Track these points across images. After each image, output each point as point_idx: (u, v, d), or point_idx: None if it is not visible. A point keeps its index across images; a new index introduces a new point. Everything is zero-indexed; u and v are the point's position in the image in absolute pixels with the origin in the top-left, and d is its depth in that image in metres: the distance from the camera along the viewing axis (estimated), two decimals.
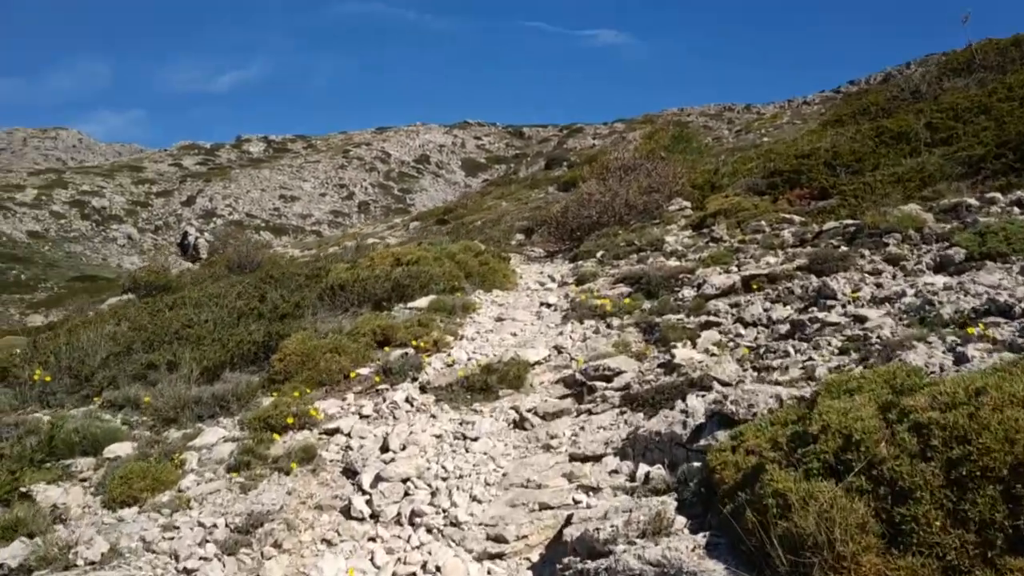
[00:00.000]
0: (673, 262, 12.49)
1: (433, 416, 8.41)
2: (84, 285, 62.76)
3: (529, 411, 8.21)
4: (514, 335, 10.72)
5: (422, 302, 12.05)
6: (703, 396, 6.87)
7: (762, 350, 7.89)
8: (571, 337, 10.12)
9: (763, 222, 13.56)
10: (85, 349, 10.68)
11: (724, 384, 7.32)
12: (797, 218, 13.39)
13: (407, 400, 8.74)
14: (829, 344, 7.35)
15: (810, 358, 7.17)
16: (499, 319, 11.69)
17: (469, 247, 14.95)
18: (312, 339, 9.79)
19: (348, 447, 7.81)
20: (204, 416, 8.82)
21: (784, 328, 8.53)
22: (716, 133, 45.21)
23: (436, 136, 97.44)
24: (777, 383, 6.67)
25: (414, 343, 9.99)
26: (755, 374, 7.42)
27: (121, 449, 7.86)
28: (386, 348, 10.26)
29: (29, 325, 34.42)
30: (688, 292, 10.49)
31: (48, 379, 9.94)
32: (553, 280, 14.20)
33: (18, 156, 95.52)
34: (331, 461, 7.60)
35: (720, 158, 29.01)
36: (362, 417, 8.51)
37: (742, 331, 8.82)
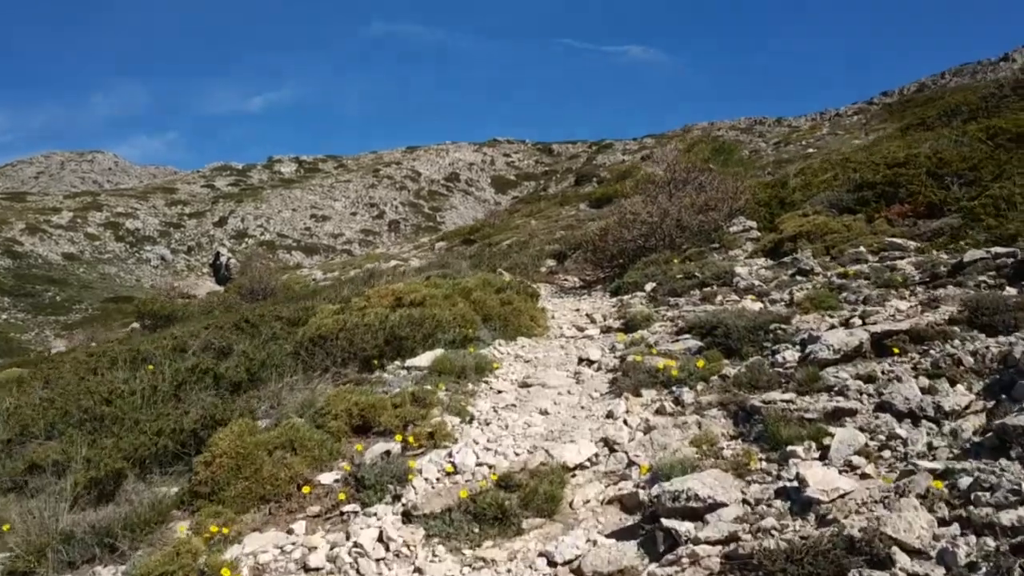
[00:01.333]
0: (753, 303, 9.09)
1: (419, 572, 5.14)
2: (117, 306, 60.31)
3: (568, 565, 4.93)
4: (544, 414, 7.37)
5: (424, 359, 8.75)
6: None
7: (957, 477, 4.55)
8: (627, 423, 6.75)
9: (862, 248, 10.14)
10: None
11: (915, 554, 4.00)
12: (910, 243, 9.95)
13: (381, 540, 5.46)
14: None
15: None
16: (524, 384, 8.35)
17: (488, 281, 11.61)
18: (252, 434, 6.50)
19: None
20: (78, 562, 5.60)
21: (968, 428, 5.18)
22: (752, 146, 41.64)
23: (466, 154, 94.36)
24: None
25: (399, 438, 6.66)
26: (961, 534, 4.09)
27: None
28: (368, 435, 7.02)
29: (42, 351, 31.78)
30: (790, 354, 7.06)
31: None
32: (593, 322, 10.88)
33: (56, 179, 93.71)
34: None
35: (766, 170, 25.59)
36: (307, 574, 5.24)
37: (897, 428, 5.44)
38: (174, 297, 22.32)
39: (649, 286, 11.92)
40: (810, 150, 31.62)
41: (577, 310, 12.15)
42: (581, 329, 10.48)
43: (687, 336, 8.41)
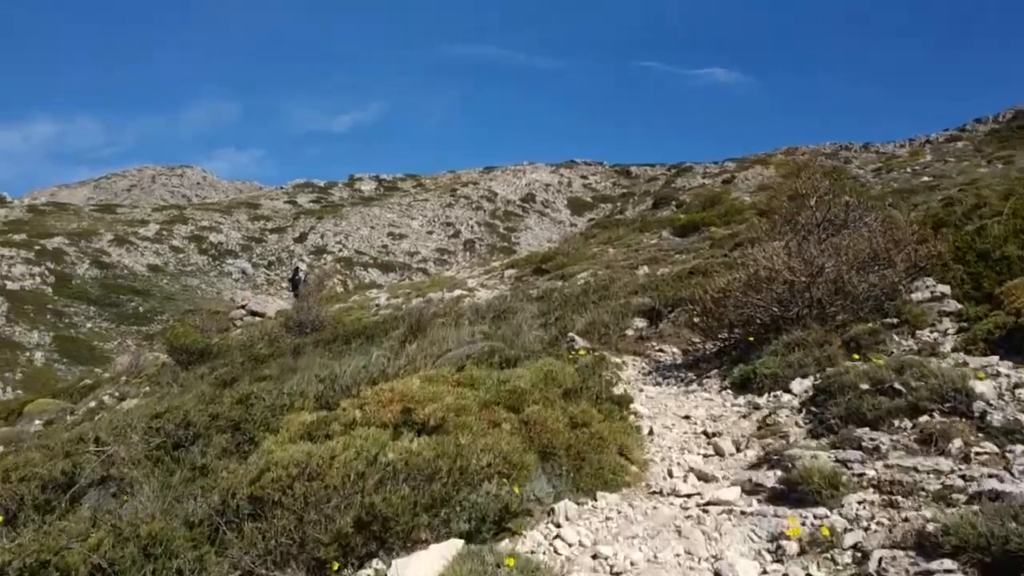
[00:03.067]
0: None
1: None
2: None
3: None
4: None
5: (423, 564, 4.38)
6: None
7: None
8: None
9: None
10: None
11: None
12: None
13: None
14: None
15: None
16: None
17: (552, 375, 7.13)
18: None
19: None
20: None
21: None
22: (848, 173, 36.30)
23: (542, 175, 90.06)
24: None
25: None
26: None
27: None
28: None
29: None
30: None
31: None
32: (720, 454, 6.34)
33: (147, 192, 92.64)
34: None
35: (885, 202, 20.57)
36: None
37: None
38: (209, 325, 18.23)
39: (800, 386, 7.30)
40: (925, 178, 26.32)
41: (688, 417, 7.56)
42: (704, 477, 5.88)
43: (948, 567, 3.80)
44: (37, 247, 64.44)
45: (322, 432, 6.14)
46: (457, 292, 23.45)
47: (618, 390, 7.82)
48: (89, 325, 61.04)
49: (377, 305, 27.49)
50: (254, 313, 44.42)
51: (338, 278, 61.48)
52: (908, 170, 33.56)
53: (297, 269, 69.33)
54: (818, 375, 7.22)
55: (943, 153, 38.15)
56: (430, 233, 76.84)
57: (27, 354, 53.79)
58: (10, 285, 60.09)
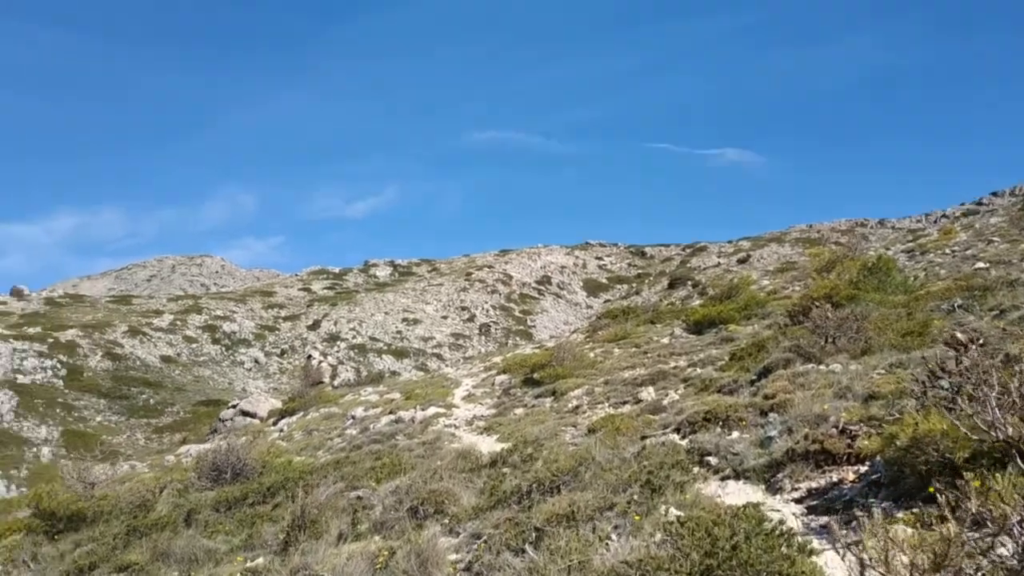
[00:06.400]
0: None
1: None
2: (208, 410, 54.10)
3: None
4: None
5: None
6: None
7: None
8: None
9: None
10: None
11: None
12: None
13: None
14: None
15: None
16: None
17: None
18: None
19: None
20: None
21: None
22: (893, 263, 31.89)
23: (558, 257, 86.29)
24: None
25: None
26: None
27: None
28: None
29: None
30: None
31: None
32: None
33: (167, 282, 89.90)
34: None
35: (951, 301, 16.27)
36: None
37: None
38: (91, 476, 13.98)
39: None
40: (979, 265, 21.92)
41: None
42: None
43: None
44: (50, 340, 61.27)
45: None
46: (432, 410, 19.22)
47: None
48: (99, 419, 57.24)
49: (352, 417, 23.28)
50: (245, 413, 40.36)
51: (326, 365, 57.48)
52: (948, 252, 29.19)
53: (310, 357, 65.63)
54: None
55: (978, 231, 33.66)
56: (445, 318, 73.02)
57: (34, 450, 49.97)
58: (21, 379, 56.66)
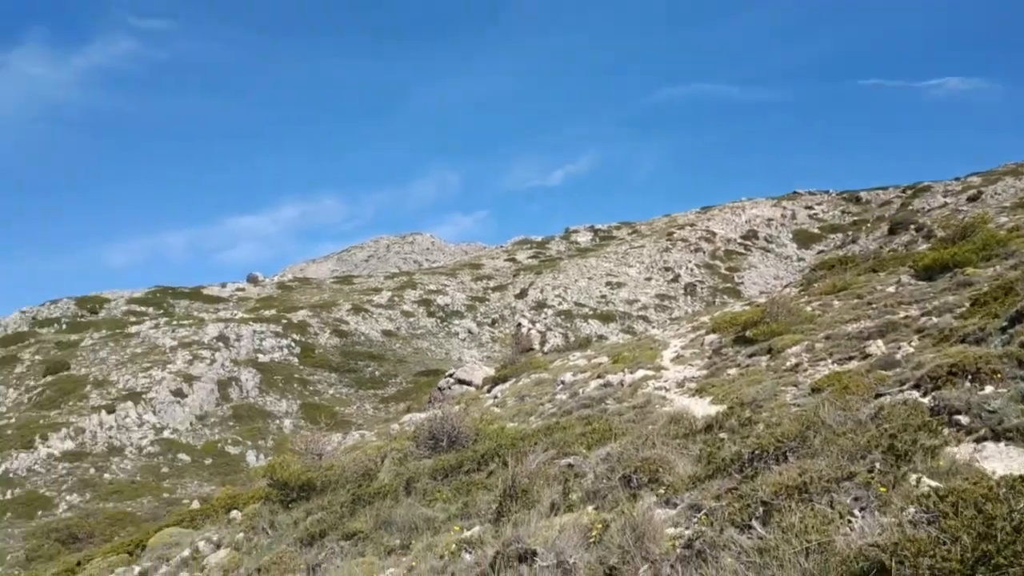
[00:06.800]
0: None
1: None
2: (427, 379, 56.69)
3: None
4: None
5: None
6: None
7: None
8: None
9: None
10: None
11: None
12: None
13: None
14: None
15: None
16: None
17: None
18: None
19: None
20: None
21: None
22: None
23: (763, 210, 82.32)
24: None
25: None
26: None
27: None
28: None
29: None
30: None
31: None
32: None
33: (382, 261, 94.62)
34: None
35: None
36: None
37: None
38: (318, 447, 14.65)
39: None
40: None
41: None
42: None
43: None
44: (284, 321, 66.29)
45: None
46: (640, 373, 18.68)
47: None
48: (331, 391, 61.46)
49: (562, 383, 23.22)
50: (461, 381, 41.69)
51: (535, 332, 57.94)
52: None
53: (519, 324, 66.86)
54: None
55: None
56: (648, 280, 71.88)
57: (277, 422, 54.48)
58: (261, 358, 61.72)
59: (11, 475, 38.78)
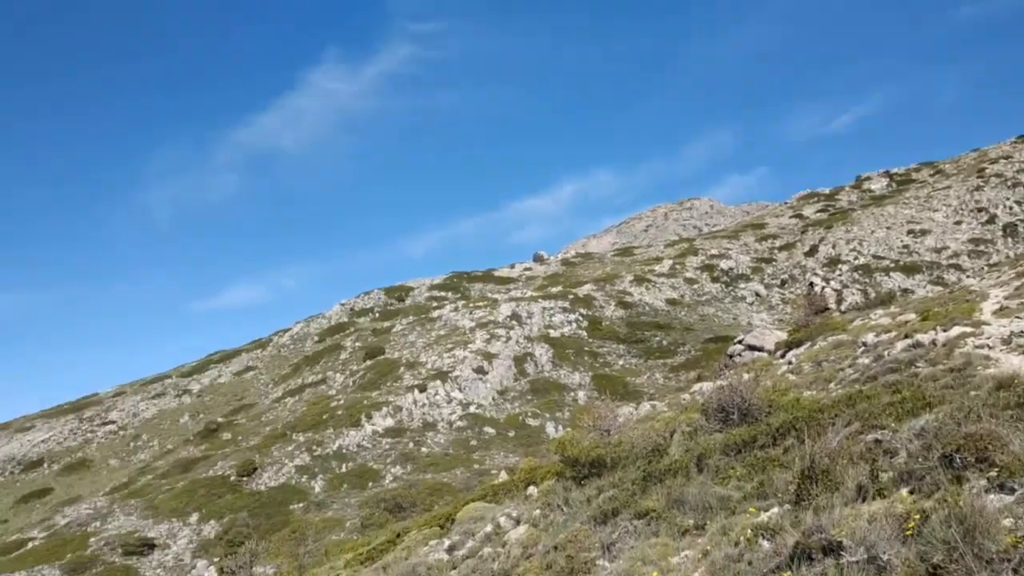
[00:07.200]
0: None
1: None
2: (716, 346, 55.59)
3: None
4: None
5: None
6: None
7: None
8: None
9: None
10: None
11: None
12: None
13: None
14: None
15: None
16: None
17: None
18: None
19: None
20: None
21: None
22: None
23: None
24: None
25: None
26: None
27: None
28: None
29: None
30: None
31: None
32: None
33: (661, 229, 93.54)
34: None
35: None
36: None
37: None
38: (607, 422, 14.59)
39: None
40: None
41: None
42: None
43: None
44: (570, 296, 67.95)
45: None
46: (956, 330, 16.56)
47: None
48: (620, 362, 62.17)
49: (863, 345, 21.35)
50: (751, 347, 40.00)
51: (829, 290, 54.07)
52: None
53: (812, 284, 63.18)
54: None
55: None
56: (958, 223, 64.56)
57: (571, 394, 56.11)
58: (552, 333, 63.73)
59: (344, 451, 43.56)
